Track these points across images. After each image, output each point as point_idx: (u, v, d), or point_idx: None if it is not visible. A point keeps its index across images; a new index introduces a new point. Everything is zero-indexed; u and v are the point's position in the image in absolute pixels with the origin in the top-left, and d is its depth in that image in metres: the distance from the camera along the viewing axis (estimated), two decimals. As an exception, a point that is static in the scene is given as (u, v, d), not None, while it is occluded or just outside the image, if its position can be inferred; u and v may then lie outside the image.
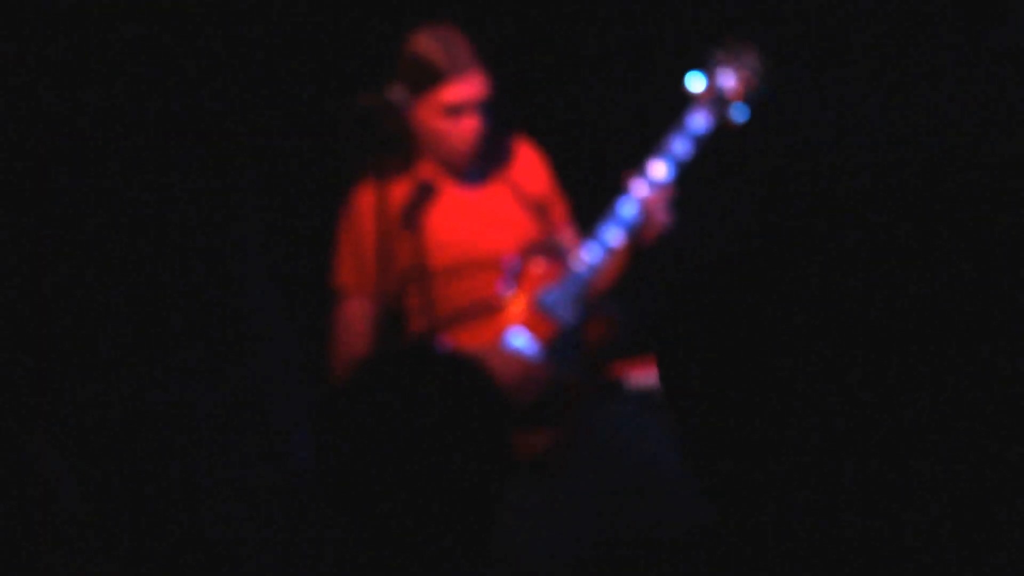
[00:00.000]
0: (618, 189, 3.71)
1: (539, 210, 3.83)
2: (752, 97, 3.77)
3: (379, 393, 2.03)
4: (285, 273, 4.78)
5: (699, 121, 3.73)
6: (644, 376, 4.49)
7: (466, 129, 3.67)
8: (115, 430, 4.55)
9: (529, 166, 3.89)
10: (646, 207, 3.66)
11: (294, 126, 4.82)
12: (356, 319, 3.65)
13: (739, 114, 3.76)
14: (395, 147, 3.72)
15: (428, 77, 3.64)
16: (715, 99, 3.75)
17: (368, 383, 2.06)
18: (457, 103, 3.66)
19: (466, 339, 3.68)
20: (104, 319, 4.61)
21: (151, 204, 4.65)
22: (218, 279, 4.68)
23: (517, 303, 3.71)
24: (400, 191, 3.73)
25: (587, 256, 3.68)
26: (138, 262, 4.64)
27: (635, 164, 3.72)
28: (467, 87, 3.65)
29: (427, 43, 3.65)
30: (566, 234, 3.89)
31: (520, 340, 3.68)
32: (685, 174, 3.70)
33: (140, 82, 4.62)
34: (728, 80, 3.76)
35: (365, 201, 3.65)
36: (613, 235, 3.68)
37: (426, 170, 3.77)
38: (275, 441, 4.46)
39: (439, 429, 2.00)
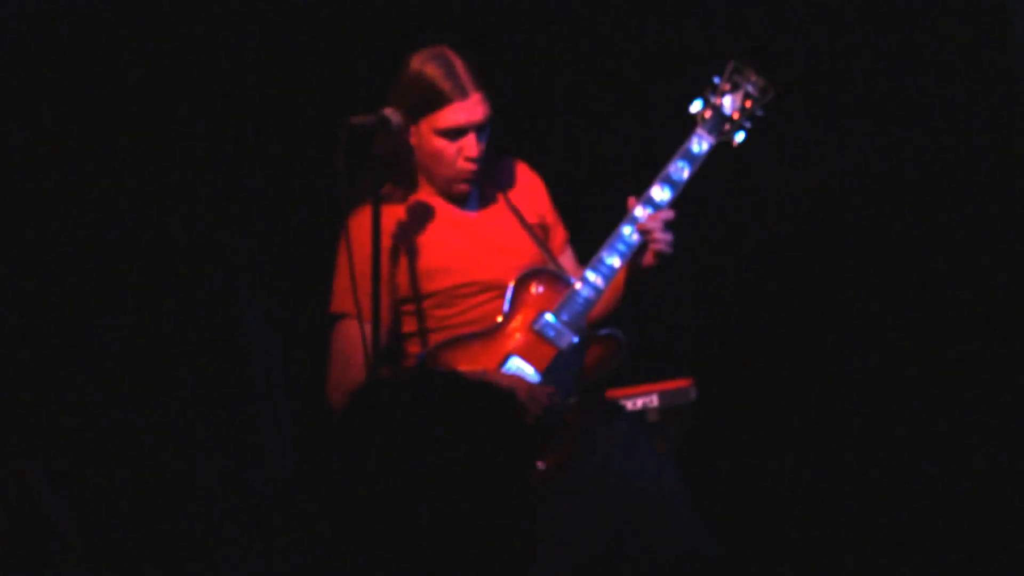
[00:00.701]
0: (619, 213, 3.68)
1: (538, 234, 3.80)
2: (753, 119, 3.75)
3: (379, 419, 1.99)
4: (280, 295, 4.78)
5: (701, 144, 3.70)
6: (643, 400, 4.48)
7: (466, 152, 3.64)
8: (103, 445, 4.54)
9: (528, 190, 3.86)
10: (646, 231, 3.63)
11: (291, 147, 4.82)
12: (352, 343, 3.61)
13: (740, 136, 3.74)
14: (389, 168, 3.70)
15: (429, 99, 3.62)
16: (717, 121, 3.73)
17: (366, 410, 2.02)
18: (457, 126, 3.63)
19: (465, 363, 3.65)
20: (91, 338, 4.60)
21: (143, 214, 4.65)
22: (211, 301, 4.67)
23: (516, 327, 3.68)
24: (397, 214, 3.70)
25: (587, 280, 3.65)
26: (128, 275, 4.64)
27: (636, 188, 3.69)
28: (468, 111, 3.62)
29: (429, 65, 3.63)
30: (565, 258, 3.86)
31: (518, 364, 3.64)
32: (686, 197, 3.68)
33: (134, 97, 4.62)
34: (730, 102, 3.74)
35: (362, 224, 3.62)
36: (613, 259, 3.65)
37: (424, 194, 3.75)
38: (263, 462, 4.43)
39: (447, 452, 1.95)
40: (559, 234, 3.90)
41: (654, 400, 4.46)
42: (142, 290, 4.63)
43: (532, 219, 3.82)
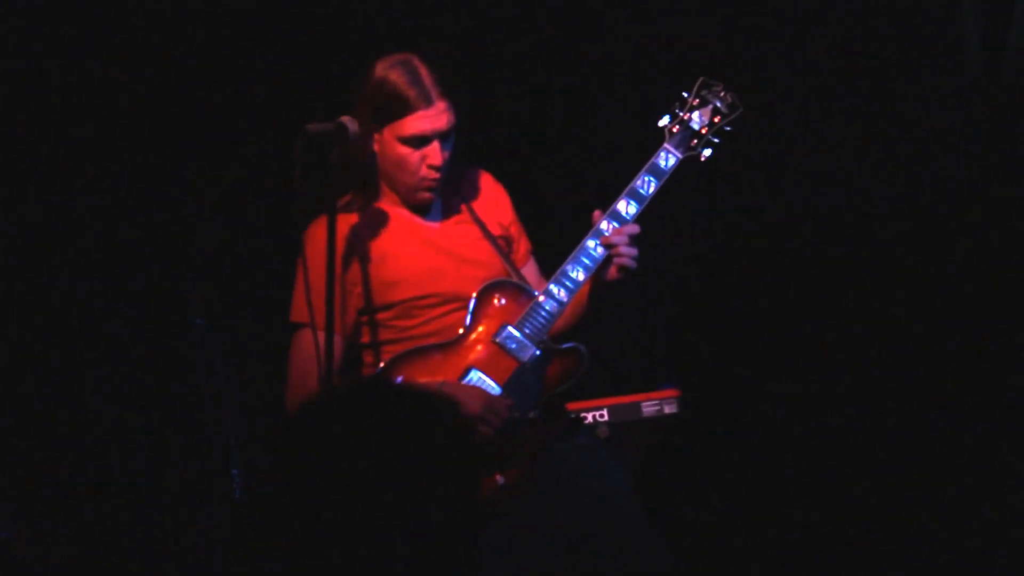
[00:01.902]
0: (584, 226, 3.65)
1: (501, 245, 3.77)
2: (721, 134, 3.73)
3: (328, 428, 1.96)
4: (235, 309, 4.75)
5: (668, 159, 3.68)
6: (604, 414, 4.44)
7: (429, 160, 3.61)
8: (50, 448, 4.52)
9: (492, 200, 3.84)
10: (611, 245, 3.60)
11: (254, 155, 4.79)
12: (309, 354, 3.57)
13: (708, 151, 3.72)
14: (348, 176, 3.66)
15: (393, 106, 3.58)
16: (685, 137, 3.71)
17: (318, 418, 2.00)
18: (422, 134, 3.60)
19: (425, 375, 3.62)
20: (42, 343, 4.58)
21: (99, 218, 4.63)
22: (161, 307, 4.65)
23: (477, 339, 3.64)
24: (358, 223, 3.67)
25: (550, 293, 3.62)
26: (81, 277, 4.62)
27: (602, 202, 3.67)
28: (433, 119, 3.59)
29: (393, 71, 3.60)
30: (528, 270, 3.83)
31: (479, 377, 3.61)
32: (651, 212, 3.65)
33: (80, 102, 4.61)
34: (698, 118, 3.72)
35: (318, 234, 3.58)
36: (577, 273, 3.62)
37: (387, 203, 3.71)
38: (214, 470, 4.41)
39: (393, 464, 1.93)
40: (523, 245, 3.87)
41: (604, 415, 4.43)
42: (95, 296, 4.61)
43: (496, 230, 3.79)
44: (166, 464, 4.61)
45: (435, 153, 3.61)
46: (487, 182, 3.86)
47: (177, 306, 4.58)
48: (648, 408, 4.46)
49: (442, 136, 3.61)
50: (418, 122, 3.59)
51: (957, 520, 1.55)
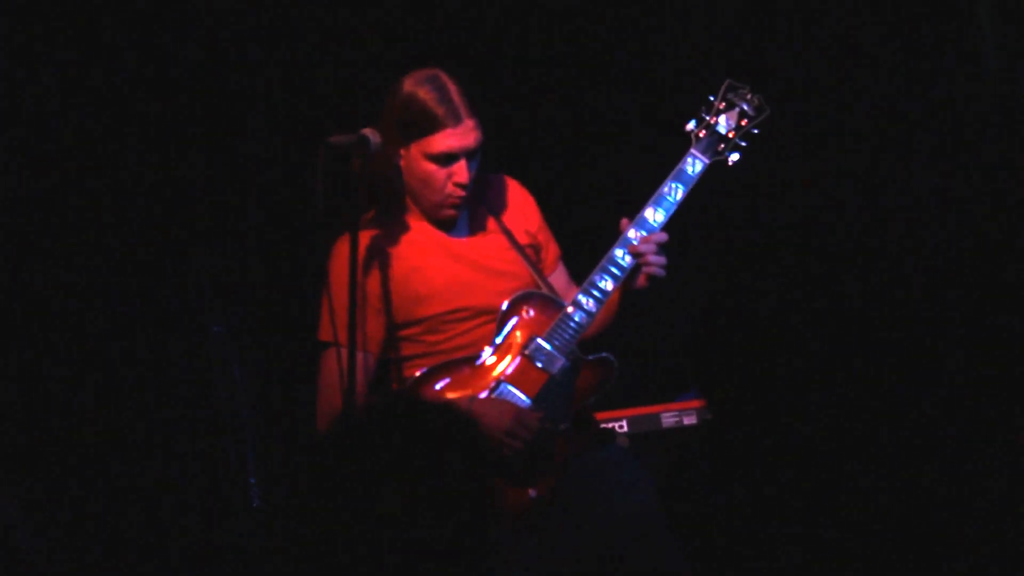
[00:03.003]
0: (612, 235, 3.61)
1: (530, 254, 3.74)
2: (749, 138, 3.68)
3: (358, 445, 1.98)
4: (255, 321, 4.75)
5: (695, 165, 3.64)
6: (624, 425, 4.41)
7: (456, 178, 3.58)
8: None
9: (519, 209, 3.81)
10: (639, 254, 3.56)
11: (270, 166, 4.78)
12: (337, 372, 3.54)
13: (735, 156, 3.67)
14: (371, 190, 3.64)
15: (421, 123, 3.56)
16: (711, 141, 3.66)
17: (343, 436, 2.01)
18: (450, 151, 3.57)
19: (455, 389, 3.60)
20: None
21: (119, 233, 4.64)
22: (180, 321, 4.65)
23: (507, 352, 3.61)
24: (384, 239, 3.64)
25: (579, 304, 3.58)
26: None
27: (629, 210, 3.63)
28: (461, 136, 3.56)
29: (422, 88, 3.57)
30: (557, 276, 3.80)
31: (509, 390, 3.58)
32: (679, 219, 3.61)
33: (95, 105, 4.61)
34: (724, 122, 3.67)
35: (343, 252, 3.56)
36: (605, 282, 3.58)
37: (413, 217, 3.69)
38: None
39: (419, 480, 1.94)
40: (551, 251, 3.84)
41: (623, 426, 4.39)
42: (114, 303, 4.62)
43: (523, 239, 3.76)
44: (183, 472, 4.60)
45: (462, 171, 3.58)
46: (513, 189, 3.83)
47: (196, 313, 4.57)
48: (668, 419, 4.42)
49: (469, 154, 3.58)
50: (447, 139, 3.56)
51: (985, 530, 1.52)
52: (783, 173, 4.88)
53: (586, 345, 3.66)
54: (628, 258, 3.59)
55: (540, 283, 3.72)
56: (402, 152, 3.61)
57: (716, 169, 3.67)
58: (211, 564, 4.50)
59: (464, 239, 3.73)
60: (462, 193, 3.61)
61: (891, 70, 4.81)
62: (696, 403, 4.43)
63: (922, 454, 1.55)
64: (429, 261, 3.67)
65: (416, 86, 3.58)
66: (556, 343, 3.60)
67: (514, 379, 3.60)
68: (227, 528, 4.50)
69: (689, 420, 4.41)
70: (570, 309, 3.60)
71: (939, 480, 1.54)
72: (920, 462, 1.56)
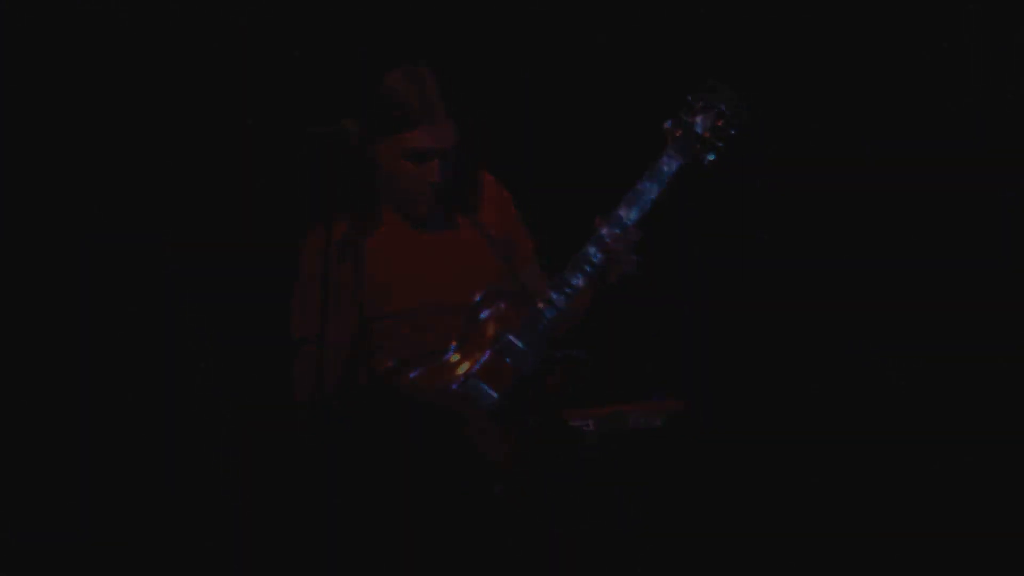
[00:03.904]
0: (585, 232, 3.60)
1: (503, 250, 3.74)
2: (726, 139, 3.68)
3: (324, 438, 1.99)
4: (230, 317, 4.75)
5: (670, 164, 3.63)
6: (590, 424, 4.41)
7: (428, 177, 3.58)
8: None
9: (493, 203, 3.82)
10: (611, 252, 3.56)
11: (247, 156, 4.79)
12: (309, 367, 3.54)
13: (711, 156, 3.67)
14: (347, 182, 3.64)
15: (398, 118, 3.56)
16: (688, 141, 3.66)
17: (313, 430, 2.03)
18: (423, 149, 3.57)
19: (424, 383, 3.58)
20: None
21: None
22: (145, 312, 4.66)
23: (477, 347, 3.61)
24: (356, 232, 3.65)
25: (550, 300, 3.58)
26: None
27: (604, 207, 3.62)
28: (436, 136, 3.58)
29: (402, 83, 3.58)
30: (530, 273, 3.80)
31: (478, 385, 3.57)
32: (652, 217, 3.61)
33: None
34: (701, 122, 3.67)
35: (314, 244, 3.56)
36: (577, 279, 3.58)
37: (387, 211, 3.69)
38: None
39: (386, 471, 1.95)
40: (526, 248, 3.85)
41: (590, 424, 4.39)
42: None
43: (497, 234, 3.77)
44: (162, 465, 4.61)
45: (433, 171, 3.59)
46: (489, 185, 3.84)
47: (174, 307, 4.58)
48: (635, 419, 4.42)
49: (444, 154, 3.58)
50: (420, 138, 3.57)
51: (964, 522, 1.52)
52: (766, 169, 4.91)
53: (557, 342, 3.65)
54: (600, 256, 3.59)
55: (512, 279, 3.72)
56: (379, 146, 3.60)
57: (692, 169, 3.67)
58: (191, 556, 4.51)
59: (436, 234, 3.73)
60: (432, 192, 3.62)
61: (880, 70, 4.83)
62: (665, 404, 4.44)
63: (921, 454, 1.55)
64: (400, 256, 3.67)
65: (396, 81, 3.59)
66: (526, 339, 3.59)
67: (484, 374, 3.59)
68: (206, 520, 4.51)
69: (657, 421, 4.41)
70: (541, 305, 3.60)
71: (932, 478, 1.54)
72: (919, 462, 1.55)
